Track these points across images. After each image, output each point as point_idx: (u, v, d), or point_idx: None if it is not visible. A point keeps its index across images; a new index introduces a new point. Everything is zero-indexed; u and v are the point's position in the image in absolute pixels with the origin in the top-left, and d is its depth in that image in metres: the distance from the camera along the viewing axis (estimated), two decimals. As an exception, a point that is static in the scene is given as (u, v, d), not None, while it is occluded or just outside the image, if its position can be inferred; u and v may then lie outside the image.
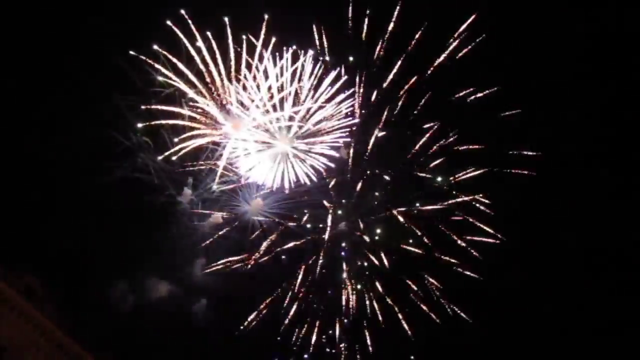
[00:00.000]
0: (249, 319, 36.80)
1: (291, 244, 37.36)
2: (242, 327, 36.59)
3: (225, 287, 37.39)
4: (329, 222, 36.97)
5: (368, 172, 37.87)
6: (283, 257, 37.03)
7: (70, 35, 33.76)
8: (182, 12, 33.09)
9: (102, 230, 36.15)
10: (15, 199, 32.77)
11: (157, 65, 33.01)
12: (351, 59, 36.31)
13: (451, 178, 37.10)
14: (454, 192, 36.96)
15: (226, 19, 33.98)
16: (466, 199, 36.66)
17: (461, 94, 36.59)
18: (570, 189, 40.45)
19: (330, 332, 37.49)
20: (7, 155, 32.75)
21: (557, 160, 38.87)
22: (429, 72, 36.18)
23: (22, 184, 33.62)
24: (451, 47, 35.98)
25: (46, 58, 33.81)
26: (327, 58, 35.58)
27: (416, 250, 37.34)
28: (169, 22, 32.94)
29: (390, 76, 36.18)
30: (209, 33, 33.48)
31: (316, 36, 36.12)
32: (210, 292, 37.97)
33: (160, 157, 34.19)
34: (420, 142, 37.02)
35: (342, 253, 38.04)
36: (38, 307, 29.08)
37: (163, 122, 33.59)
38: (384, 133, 37.02)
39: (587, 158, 39.94)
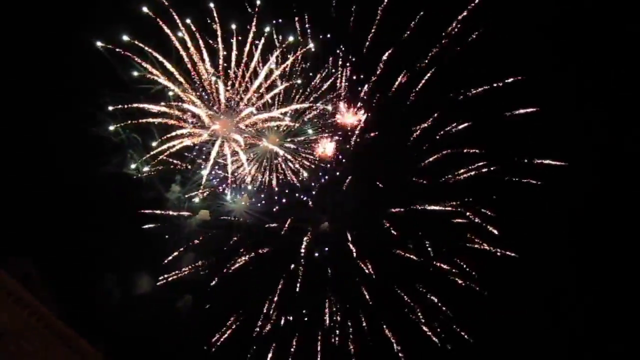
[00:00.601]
0: (223, 329, 35.77)
1: (274, 246, 36.42)
2: (214, 339, 35.58)
3: (205, 290, 36.48)
4: (310, 227, 36.10)
5: (357, 171, 36.62)
6: (250, 267, 35.86)
7: (48, 29, 32.83)
8: None
9: (94, 224, 36.22)
10: (13, 192, 32.59)
11: (138, 61, 32.03)
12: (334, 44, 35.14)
13: (444, 179, 35.09)
14: (445, 196, 35.06)
15: (211, 4, 32.92)
16: (452, 203, 34.79)
17: (463, 90, 34.58)
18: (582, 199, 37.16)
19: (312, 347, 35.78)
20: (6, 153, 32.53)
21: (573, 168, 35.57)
22: (428, 59, 34.22)
23: (22, 176, 33.48)
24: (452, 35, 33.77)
25: (27, 54, 32.92)
26: (311, 46, 34.53)
27: (408, 254, 35.52)
28: (145, 9, 31.62)
29: (382, 65, 34.59)
30: (188, 21, 32.38)
31: (298, 28, 34.93)
32: (191, 292, 37.26)
33: (140, 160, 34.00)
34: (414, 140, 35.25)
35: (326, 249, 36.86)
36: (35, 294, 29.22)
37: (145, 120, 33.07)
38: (376, 133, 35.74)
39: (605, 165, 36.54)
